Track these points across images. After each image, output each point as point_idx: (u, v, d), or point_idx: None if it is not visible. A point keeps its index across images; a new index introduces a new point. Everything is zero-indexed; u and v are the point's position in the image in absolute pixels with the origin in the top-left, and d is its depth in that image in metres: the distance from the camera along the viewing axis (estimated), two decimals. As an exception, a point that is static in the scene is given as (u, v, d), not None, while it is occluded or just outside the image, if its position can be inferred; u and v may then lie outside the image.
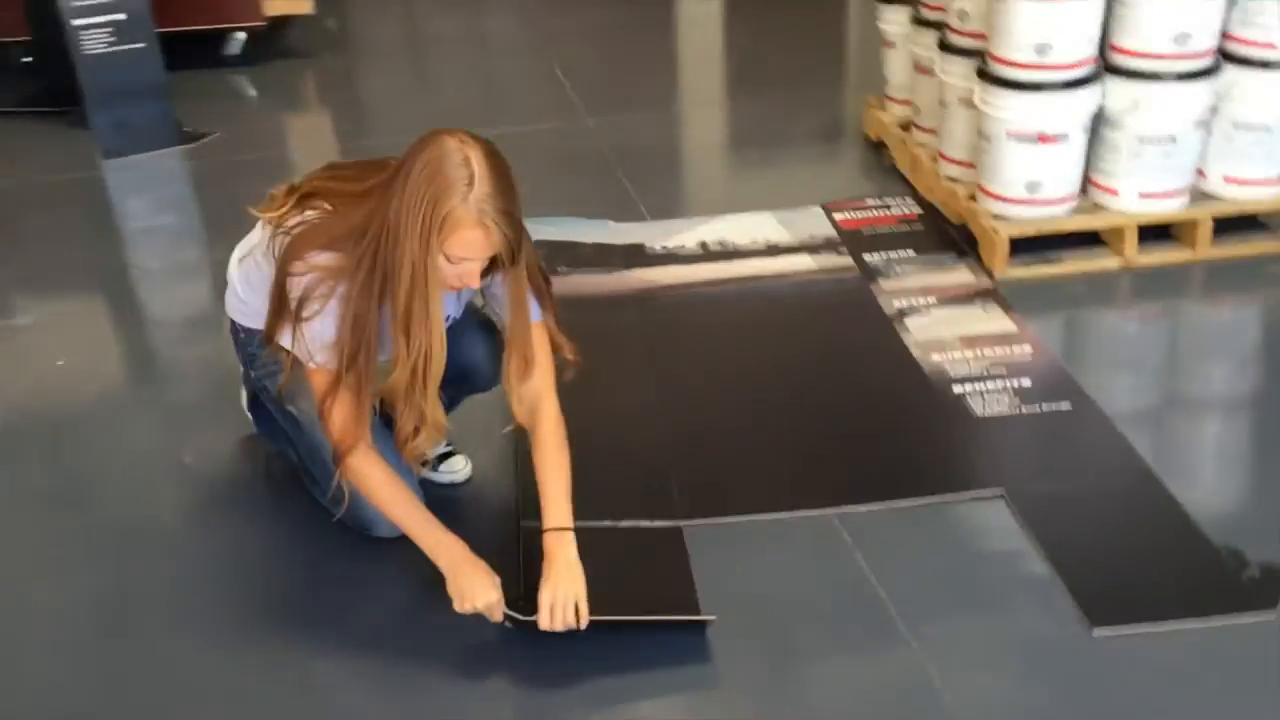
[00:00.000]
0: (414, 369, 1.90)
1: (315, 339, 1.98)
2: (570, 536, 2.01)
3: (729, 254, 3.42)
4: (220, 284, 2.32)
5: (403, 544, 2.09)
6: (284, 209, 2.03)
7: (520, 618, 1.96)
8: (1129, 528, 2.27)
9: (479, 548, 2.04)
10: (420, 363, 1.90)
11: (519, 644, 2.00)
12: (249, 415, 2.51)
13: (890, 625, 2.04)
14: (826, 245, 3.44)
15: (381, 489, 2.06)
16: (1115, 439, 2.50)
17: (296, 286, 1.95)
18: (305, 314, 1.96)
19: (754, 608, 2.09)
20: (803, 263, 3.36)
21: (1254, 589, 2.09)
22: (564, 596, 1.93)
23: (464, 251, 1.85)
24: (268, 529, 2.39)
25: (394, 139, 2.13)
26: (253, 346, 2.26)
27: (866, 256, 3.36)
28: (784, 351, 2.95)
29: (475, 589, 1.97)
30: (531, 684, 1.97)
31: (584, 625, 1.92)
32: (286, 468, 2.43)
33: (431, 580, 2.02)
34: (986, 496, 2.35)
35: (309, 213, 1.99)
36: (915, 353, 2.87)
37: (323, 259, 1.94)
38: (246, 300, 2.21)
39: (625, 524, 2.29)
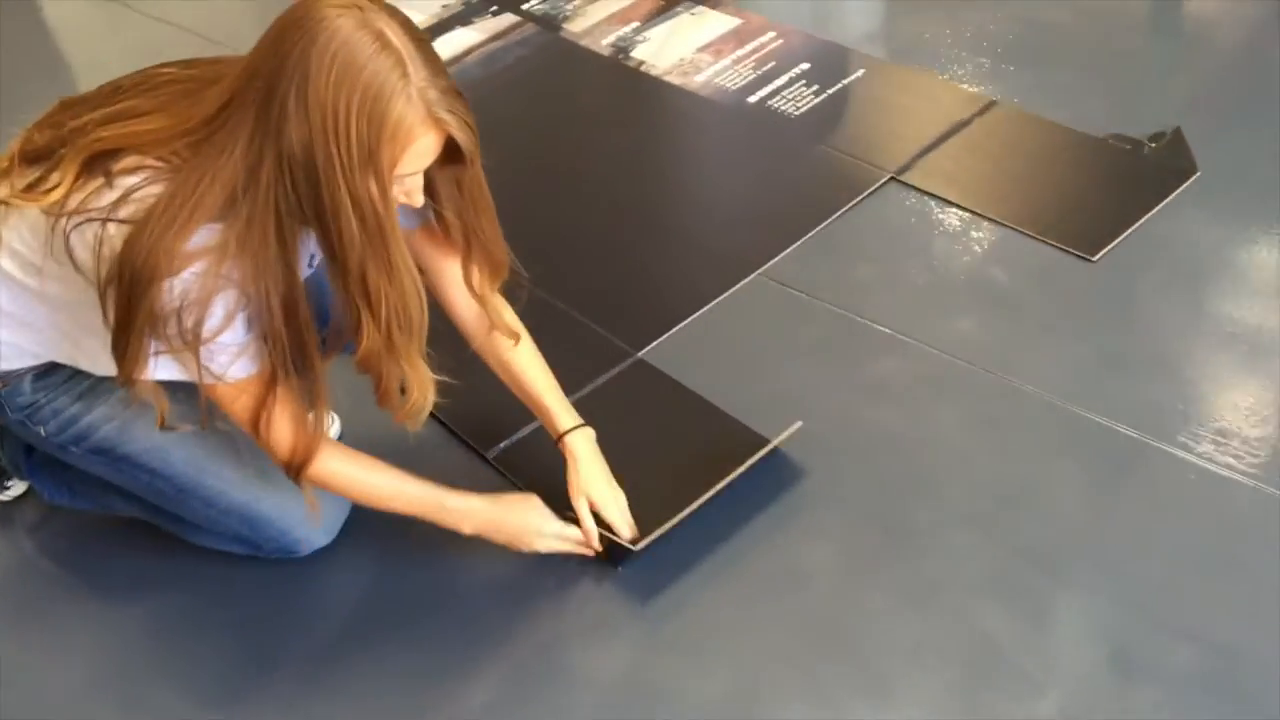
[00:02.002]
0: (388, 334, 1.32)
1: (223, 352, 1.33)
2: (592, 432, 1.63)
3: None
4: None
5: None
6: (60, 186, 1.29)
7: (614, 537, 1.57)
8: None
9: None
10: (395, 323, 1.32)
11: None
12: (19, 477, 1.76)
13: (867, 329, 1.92)
14: (474, 9, 2.97)
15: (359, 483, 1.52)
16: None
17: (171, 298, 1.26)
18: (205, 330, 1.29)
19: (763, 395, 1.84)
20: (469, 37, 2.87)
21: (1164, 159, 2.17)
22: (620, 499, 1.61)
23: (414, 165, 1.26)
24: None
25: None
26: (22, 395, 1.52)
27: (526, 6, 2.94)
28: (544, 138, 2.53)
29: (529, 526, 1.56)
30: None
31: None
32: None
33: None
34: (880, 180, 2.21)
35: (128, 179, 1.25)
36: (676, 82, 2.59)
37: (199, 244, 1.25)
38: (13, 339, 1.46)
39: (600, 381, 1.89)
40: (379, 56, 1.18)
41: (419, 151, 1.24)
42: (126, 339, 1.29)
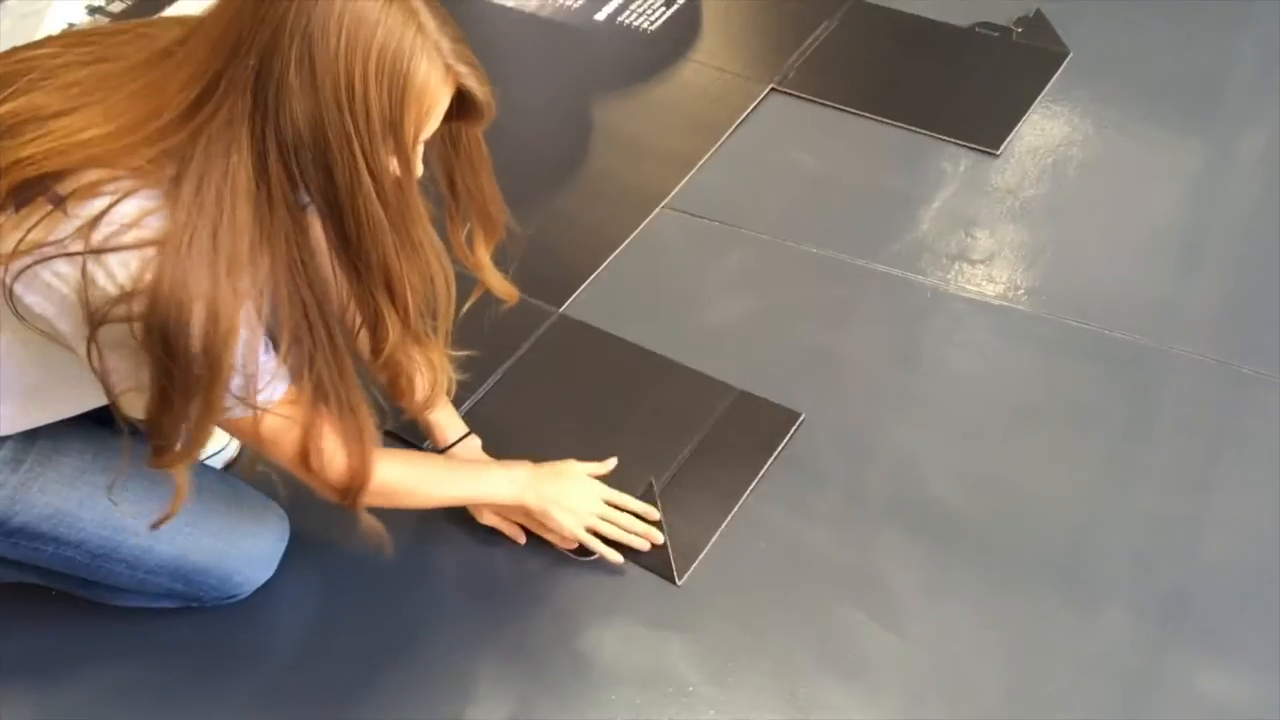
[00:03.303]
0: (407, 321, 1.13)
1: (260, 376, 1.10)
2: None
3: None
4: None
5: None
6: None
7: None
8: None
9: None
10: (422, 310, 1.14)
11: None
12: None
13: (792, 250, 1.82)
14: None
15: (418, 483, 1.34)
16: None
17: (197, 335, 1.01)
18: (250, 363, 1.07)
19: (699, 332, 1.73)
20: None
21: (1033, 43, 2.16)
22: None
23: (431, 128, 1.07)
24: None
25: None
26: None
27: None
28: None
29: (581, 499, 1.43)
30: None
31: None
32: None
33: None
34: (762, 93, 2.10)
35: (95, 202, 0.98)
36: (509, 4, 2.38)
37: (208, 263, 1.00)
38: None
39: (525, 347, 1.71)
40: (389, 10, 0.97)
41: (439, 114, 1.05)
42: (205, 403, 1.05)
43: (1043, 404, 1.59)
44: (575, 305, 1.78)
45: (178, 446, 1.08)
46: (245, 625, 1.42)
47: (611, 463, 1.49)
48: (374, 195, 1.01)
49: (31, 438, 1.23)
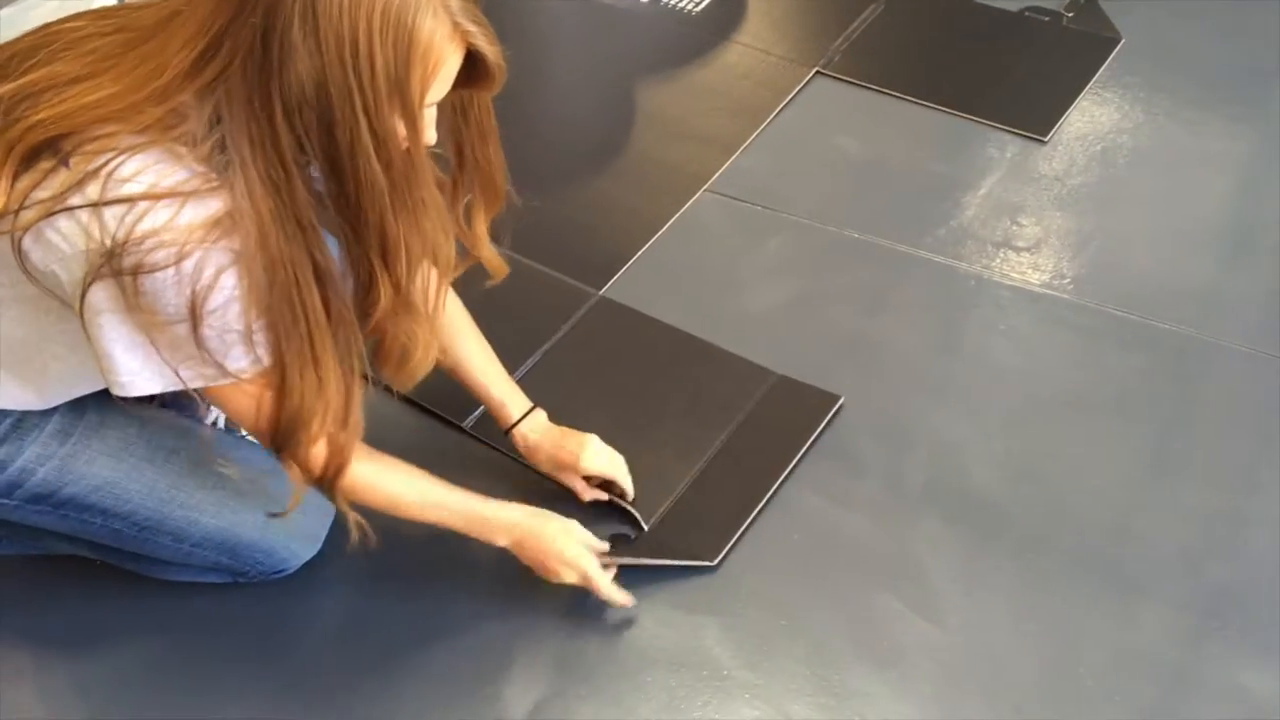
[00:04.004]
0: (407, 292, 1.12)
1: (237, 343, 1.08)
2: (544, 413, 1.51)
3: None
4: None
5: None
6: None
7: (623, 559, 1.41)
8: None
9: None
10: (409, 276, 1.12)
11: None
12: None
13: (833, 235, 1.80)
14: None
15: (396, 495, 1.31)
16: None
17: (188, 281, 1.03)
18: (225, 319, 1.07)
19: (739, 317, 1.72)
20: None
21: (1085, 28, 2.13)
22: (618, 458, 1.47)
23: (440, 92, 1.05)
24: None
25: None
26: None
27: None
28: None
29: (558, 552, 1.36)
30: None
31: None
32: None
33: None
34: (807, 77, 2.09)
35: (97, 160, 0.98)
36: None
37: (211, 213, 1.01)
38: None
39: (565, 329, 1.72)
40: None
41: (445, 77, 1.04)
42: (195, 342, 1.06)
43: (1085, 394, 1.58)
44: (615, 288, 1.78)
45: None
46: (290, 601, 1.43)
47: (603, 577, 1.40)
48: (374, 155, 1.00)
49: (80, 410, 1.25)
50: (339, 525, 1.45)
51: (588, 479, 1.47)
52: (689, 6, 2.29)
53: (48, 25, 1.11)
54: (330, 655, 1.39)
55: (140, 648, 1.40)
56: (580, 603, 1.40)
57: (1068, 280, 1.72)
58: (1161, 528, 1.43)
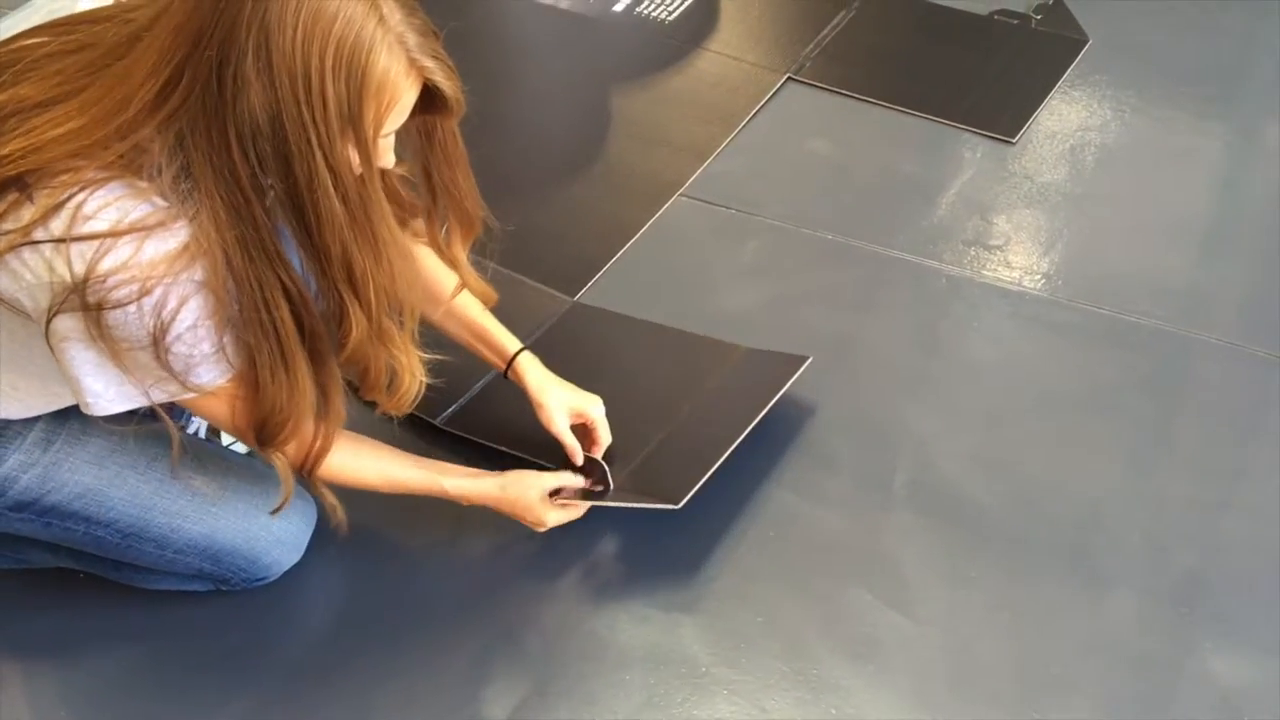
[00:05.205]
0: (378, 321, 1.13)
1: (202, 361, 1.11)
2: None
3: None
4: None
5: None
6: None
7: (589, 487, 1.46)
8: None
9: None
10: (385, 307, 1.13)
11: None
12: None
13: (806, 237, 1.83)
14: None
15: (368, 473, 1.35)
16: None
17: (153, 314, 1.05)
18: (186, 344, 1.09)
19: (714, 318, 1.74)
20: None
21: (1052, 30, 2.15)
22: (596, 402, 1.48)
23: (395, 124, 1.07)
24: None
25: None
26: None
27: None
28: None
29: (530, 505, 1.41)
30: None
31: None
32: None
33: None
34: (778, 83, 2.11)
35: (62, 196, 1.00)
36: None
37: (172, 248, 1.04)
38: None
39: (539, 334, 1.73)
40: (350, 1, 0.98)
41: (403, 109, 1.05)
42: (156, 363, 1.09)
43: (1059, 389, 1.60)
44: (590, 294, 1.79)
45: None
46: (273, 608, 1.44)
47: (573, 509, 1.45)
48: (331, 189, 1.01)
49: (63, 418, 1.26)
50: (320, 533, 1.47)
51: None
52: (662, 15, 2.31)
53: (10, 41, 1.12)
54: (312, 662, 1.40)
55: (123, 657, 1.40)
56: (559, 603, 1.41)
57: (1039, 276, 1.74)
58: (1132, 519, 1.45)
